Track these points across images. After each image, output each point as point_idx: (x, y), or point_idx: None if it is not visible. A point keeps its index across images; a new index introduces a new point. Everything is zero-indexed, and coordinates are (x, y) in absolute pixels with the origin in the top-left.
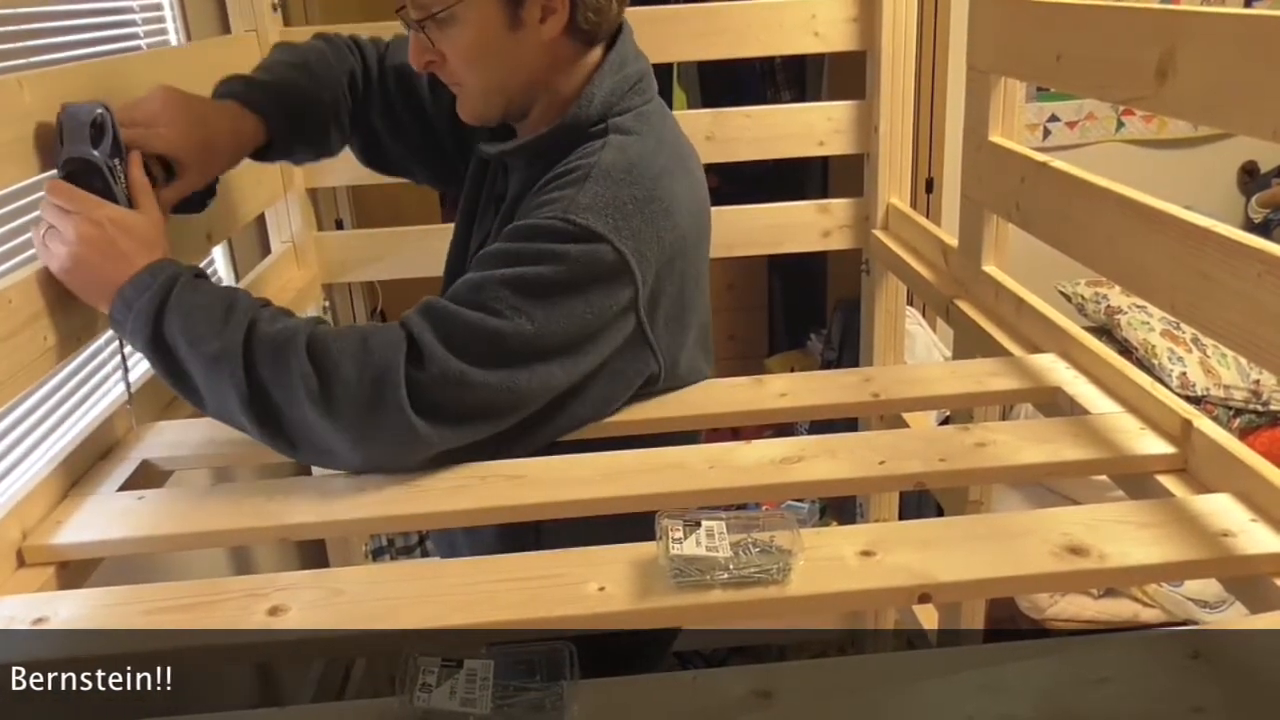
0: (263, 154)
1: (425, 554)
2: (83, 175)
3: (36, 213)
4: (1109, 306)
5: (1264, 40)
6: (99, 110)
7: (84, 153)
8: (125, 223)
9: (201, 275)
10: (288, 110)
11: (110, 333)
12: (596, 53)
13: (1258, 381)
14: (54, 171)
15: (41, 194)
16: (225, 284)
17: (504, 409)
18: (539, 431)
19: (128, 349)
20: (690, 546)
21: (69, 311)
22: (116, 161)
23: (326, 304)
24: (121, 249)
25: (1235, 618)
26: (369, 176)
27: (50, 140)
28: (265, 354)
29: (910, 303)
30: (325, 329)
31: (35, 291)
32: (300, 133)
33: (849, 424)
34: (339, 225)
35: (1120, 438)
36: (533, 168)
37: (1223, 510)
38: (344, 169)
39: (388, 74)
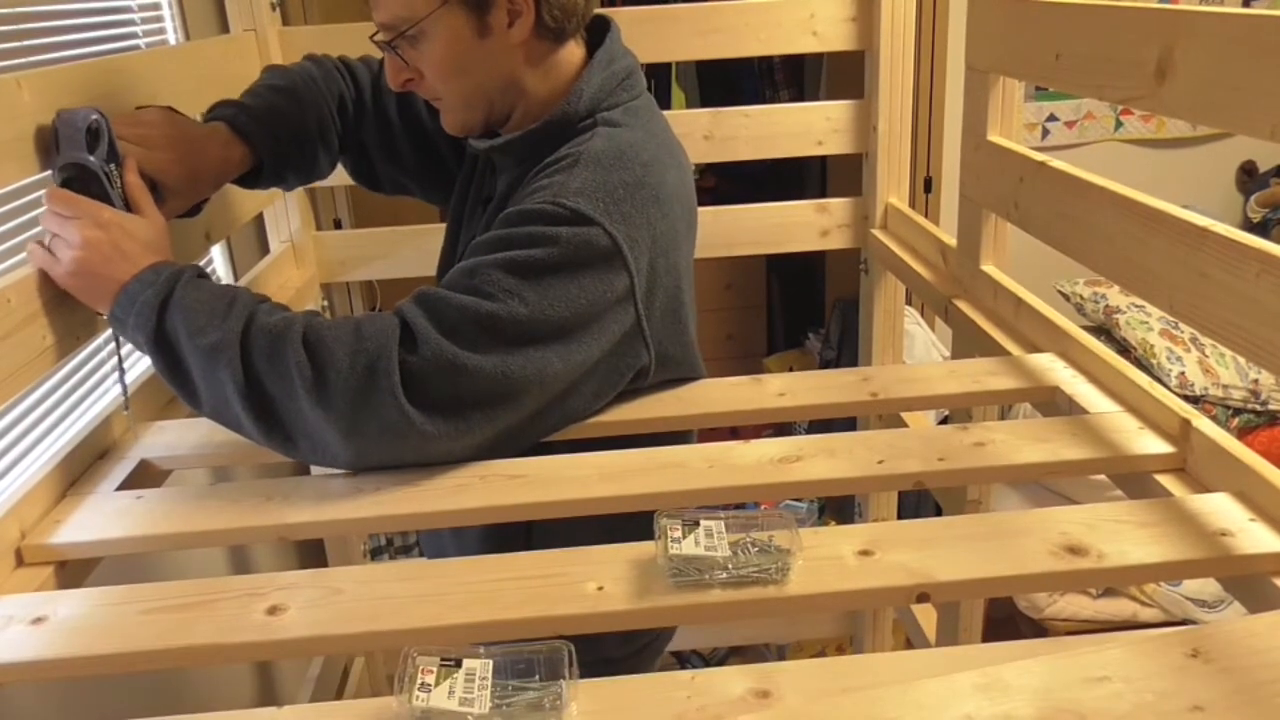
0: (253, 180)
1: (424, 554)
2: (79, 181)
3: (39, 215)
4: (1107, 306)
5: (1262, 40)
6: (94, 116)
7: (80, 158)
8: (129, 226)
9: (203, 275)
10: (277, 137)
11: (109, 332)
12: (573, 48)
13: (1256, 381)
14: (50, 173)
15: (41, 194)
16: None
17: (498, 398)
18: (534, 425)
19: (124, 350)
20: (689, 546)
21: (68, 311)
22: (113, 166)
23: (325, 303)
24: (126, 251)
25: (1234, 617)
26: None
27: (47, 145)
28: (262, 344)
29: (909, 302)
30: (321, 320)
31: (34, 291)
32: (289, 159)
33: (848, 423)
34: (337, 225)
35: (1119, 437)
36: (522, 165)
37: (1221, 510)
38: (342, 169)
39: (384, 95)
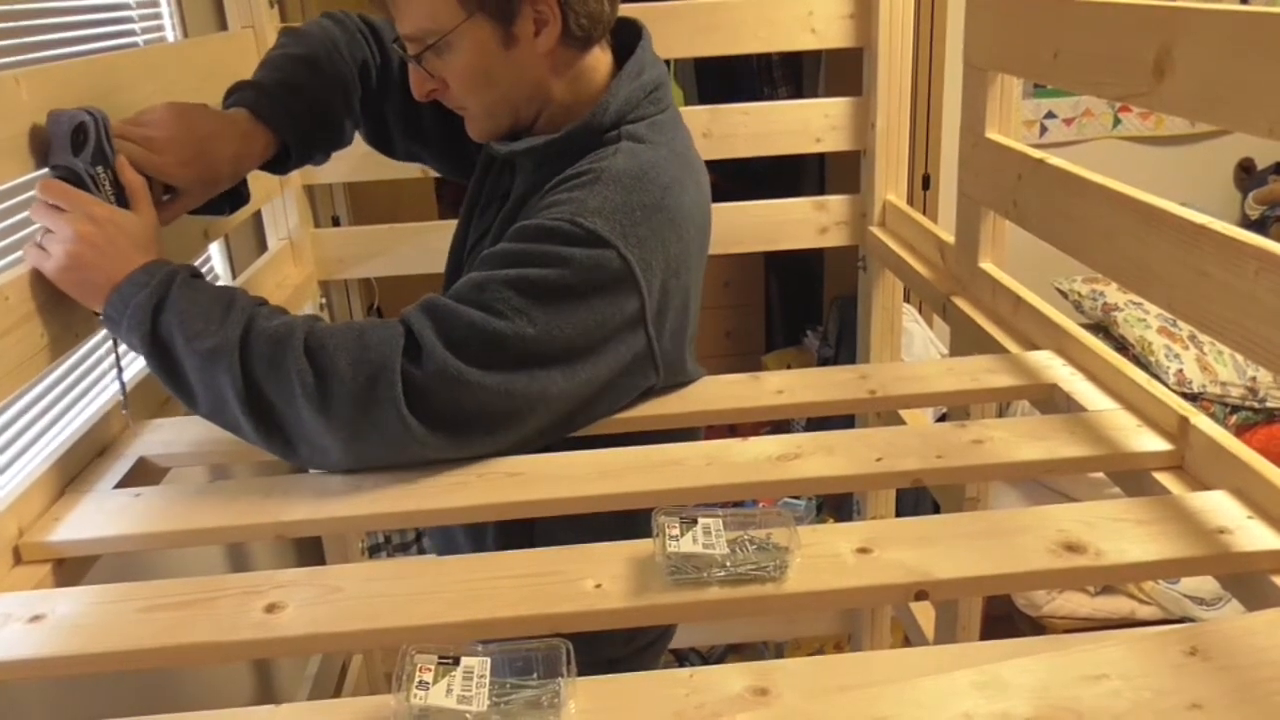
0: (281, 165)
1: (422, 551)
2: (68, 184)
3: (30, 207)
4: (1106, 303)
5: (1261, 37)
6: (82, 117)
7: (65, 161)
8: (121, 222)
9: (198, 275)
10: (301, 116)
11: (106, 330)
12: (599, 54)
13: (1254, 378)
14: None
15: (34, 192)
16: (222, 282)
17: (500, 416)
18: (536, 440)
19: (121, 348)
20: (687, 544)
21: (66, 308)
22: (100, 169)
23: (323, 301)
24: (119, 246)
25: (1232, 615)
26: (366, 173)
27: (42, 147)
28: (263, 349)
29: (907, 300)
30: (323, 325)
31: (33, 288)
32: (315, 136)
33: (846, 421)
34: (335, 222)
35: (1117, 435)
36: (541, 171)
37: (1219, 507)
38: (341, 166)
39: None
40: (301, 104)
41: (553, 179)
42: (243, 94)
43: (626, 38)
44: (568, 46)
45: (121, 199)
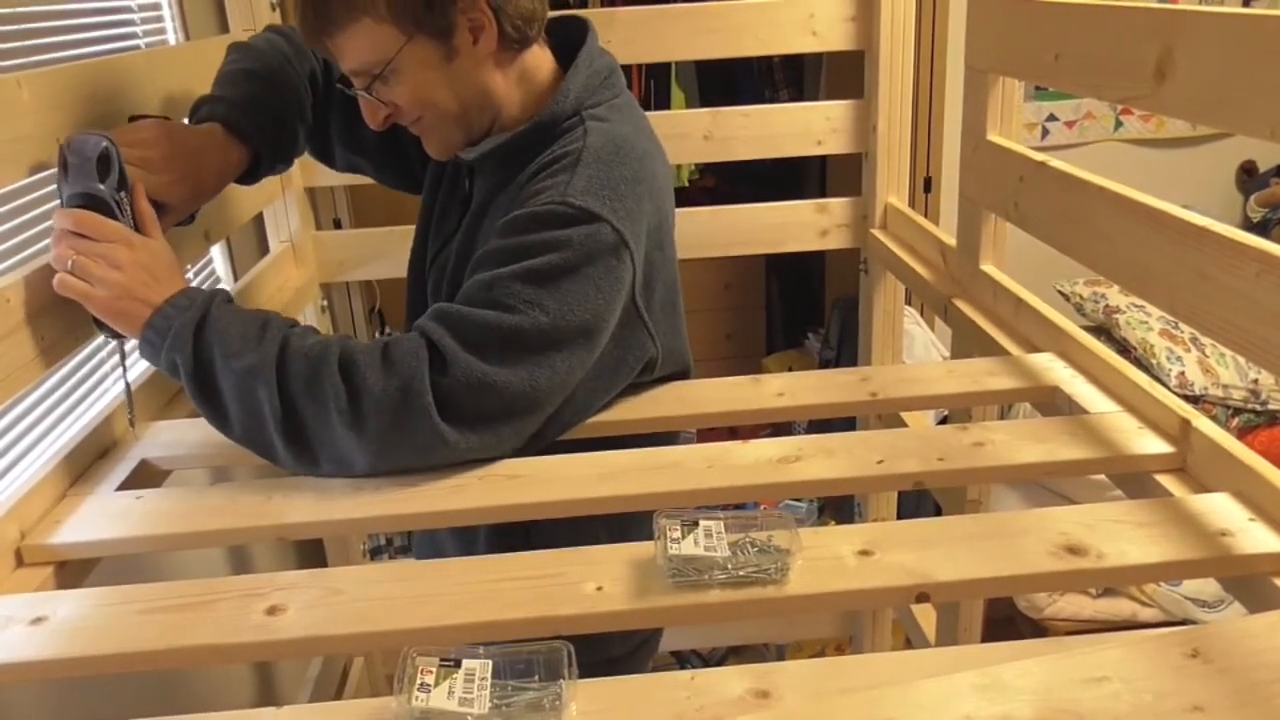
0: (249, 177)
1: (415, 556)
2: (90, 210)
3: (50, 239)
4: (1107, 306)
5: (1262, 40)
6: (104, 144)
7: (92, 188)
8: (154, 248)
9: (229, 299)
10: (268, 128)
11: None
12: (538, 53)
13: (1256, 381)
14: (57, 203)
15: (35, 194)
16: (223, 285)
17: (525, 410)
18: (549, 425)
19: (128, 347)
20: (688, 546)
21: (66, 311)
22: (123, 194)
23: (325, 303)
24: (156, 274)
25: (1234, 617)
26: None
27: (55, 172)
28: (299, 368)
29: (908, 302)
30: (354, 344)
31: (33, 291)
32: (280, 149)
33: (847, 423)
34: (337, 224)
35: (1118, 437)
36: (506, 169)
37: (1221, 510)
38: None
39: None
40: (268, 117)
41: (518, 174)
42: (213, 108)
43: (571, 34)
44: (506, 48)
45: (136, 222)
